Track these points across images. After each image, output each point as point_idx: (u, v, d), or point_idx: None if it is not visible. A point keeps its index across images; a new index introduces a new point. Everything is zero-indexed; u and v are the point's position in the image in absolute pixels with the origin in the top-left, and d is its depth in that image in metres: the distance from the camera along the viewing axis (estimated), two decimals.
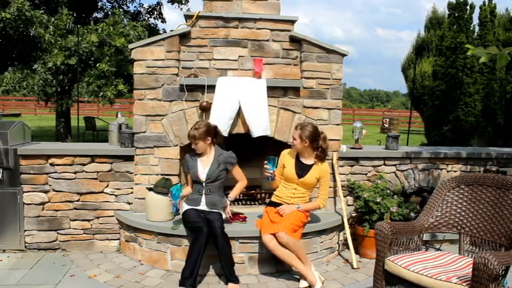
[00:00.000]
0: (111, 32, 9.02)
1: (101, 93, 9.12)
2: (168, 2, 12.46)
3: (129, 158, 4.08)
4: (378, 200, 4.05)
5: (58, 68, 8.84)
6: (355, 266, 3.85)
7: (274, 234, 3.39)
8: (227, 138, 4.11)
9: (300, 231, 3.54)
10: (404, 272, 2.58)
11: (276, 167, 3.61)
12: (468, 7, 10.71)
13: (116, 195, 4.12)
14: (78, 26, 9.20)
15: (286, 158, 3.70)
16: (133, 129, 4.05)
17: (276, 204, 3.67)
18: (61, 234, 4.09)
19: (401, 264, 2.63)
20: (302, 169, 3.63)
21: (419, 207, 4.39)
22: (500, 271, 2.27)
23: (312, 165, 3.64)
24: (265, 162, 3.58)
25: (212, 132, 3.69)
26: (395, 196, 4.29)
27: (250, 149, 4.52)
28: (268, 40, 4.13)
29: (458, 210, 3.03)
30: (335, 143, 4.24)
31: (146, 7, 13.27)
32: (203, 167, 3.67)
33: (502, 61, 3.08)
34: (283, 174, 3.68)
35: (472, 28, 10.86)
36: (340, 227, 4.14)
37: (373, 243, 3.53)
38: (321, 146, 3.61)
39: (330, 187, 4.21)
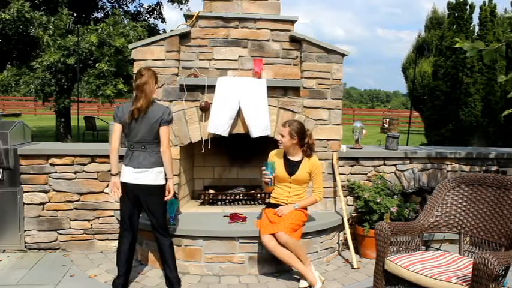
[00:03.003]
0: (111, 32, 9.02)
1: (100, 91, 9.12)
2: (168, 2, 12.45)
3: None
4: (378, 200, 4.05)
5: (56, 66, 8.85)
6: (355, 266, 3.85)
7: (273, 235, 3.39)
8: (227, 138, 4.11)
9: (299, 230, 3.54)
10: (404, 272, 2.58)
11: (274, 171, 3.60)
12: (468, 7, 10.72)
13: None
14: (78, 26, 9.21)
15: (275, 159, 3.68)
16: None
17: (274, 206, 3.67)
18: (61, 234, 4.09)
19: (401, 264, 2.63)
20: (292, 167, 3.63)
21: (419, 207, 4.40)
22: (500, 271, 2.26)
23: (301, 161, 3.64)
24: (263, 168, 3.58)
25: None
26: (395, 196, 4.29)
27: (250, 149, 4.53)
28: (268, 40, 4.13)
29: (458, 210, 3.03)
30: (335, 143, 4.24)
31: (146, 7, 13.27)
32: None
33: (487, 57, 3.12)
34: (275, 176, 3.67)
35: (472, 28, 10.87)
36: (340, 227, 4.14)
37: (373, 243, 3.52)
38: (307, 142, 3.62)
39: (330, 187, 4.22)
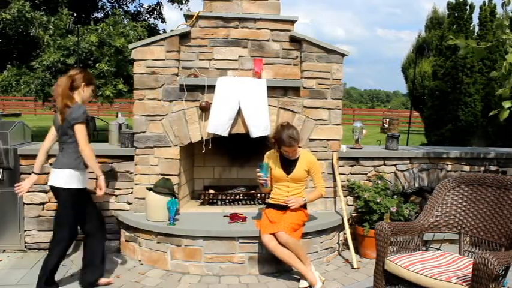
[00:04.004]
0: (111, 32, 9.02)
1: (100, 92, 9.13)
2: (168, 2, 12.46)
3: (129, 158, 4.08)
4: (378, 200, 4.05)
5: (56, 66, 8.85)
6: (355, 266, 3.85)
7: (274, 234, 3.39)
8: (227, 138, 4.11)
9: (300, 230, 3.54)
10: (404, 272, 2.58)
11: (270, 173, 3.60)
12: (468, 7, 10.71)
13: (116, 195, 4.12)
14: (78, 26, 9.21)
15: (271, 159, 3.69)
16: (133, 129, 4.05)
17: (274, 206, 3.67)
18: None
19: (401, 264, 2.62)
20: (288, 165, 3.63)
21: (419, 207, 4.40)
22: (500, 271, 2.26)
23: (297, 159, 3.64)
24: (258, 170, 3.59)
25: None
26: (395, 196, 4.29)
27: (250, 149, 4.52)
28: (268, 40, 4.13)
29: (458, 210, 3.03)
30: (335, 143, 4.24)
31: (146, 7, 13.28)
32: None
33: (477, 54, 3.14)
34: (272, 176, 3.68)
35: (472, 28, 10.86)
36: (340, 227, 4.14)
37: (373, 243, 3.52)
38: None
39: (330, 187, 4.22)
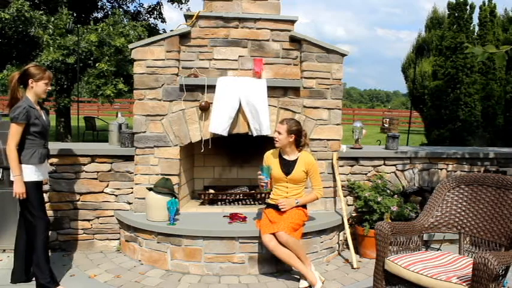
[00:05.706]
0: (111, 31, 9.02)
1: (100, 92, 9.13)
2: (168, 1, 12.46)
3: (129, 158, 4.08)
4: (379, 200, 4.05)
5: (55, 66, 8.84)
6: (355, 266, 3.85)
7: (274, 234, 3.39)
8: (227, 138, 4.11)
9: (300, 230, 3.54)
10: (404, 272, 2.59)
11: (270, 176, 3.60)
12: (468, 7, 10.72)
13: (116, 195, 4.13)
14: (78, 25, 9.21)
15: (270, 159, 3.69)
16: (133, 129, 4.05)
17: (273, 206, 3.67)
18: (61, 234, 4.09)
19: (401, 264, 2.63)
20: (287, 166, 3.63)
21: (419, 207, 4.40)
22: (500, 271, 2.27)
23: (296, 160, 3.64)
24: (259, 172, 3.59)
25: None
26: (396, 196, 4.29)
27: (250, 149, 4.53)
28: (268, 40, 4.13)
29: (458, 210, 3.03)
30: (335, 143, 4.24)
31: (146, 7, 13.28)
32: None
33: (499, 60, 3.08)
34: (272, 177, 3.68)
35: (472, 28, 10.86)
36: (340, 227, 4.14)
37: (373, 243, 3.53)
38: (304, 141, 3.69)
39: (330, 187, 4.22)
